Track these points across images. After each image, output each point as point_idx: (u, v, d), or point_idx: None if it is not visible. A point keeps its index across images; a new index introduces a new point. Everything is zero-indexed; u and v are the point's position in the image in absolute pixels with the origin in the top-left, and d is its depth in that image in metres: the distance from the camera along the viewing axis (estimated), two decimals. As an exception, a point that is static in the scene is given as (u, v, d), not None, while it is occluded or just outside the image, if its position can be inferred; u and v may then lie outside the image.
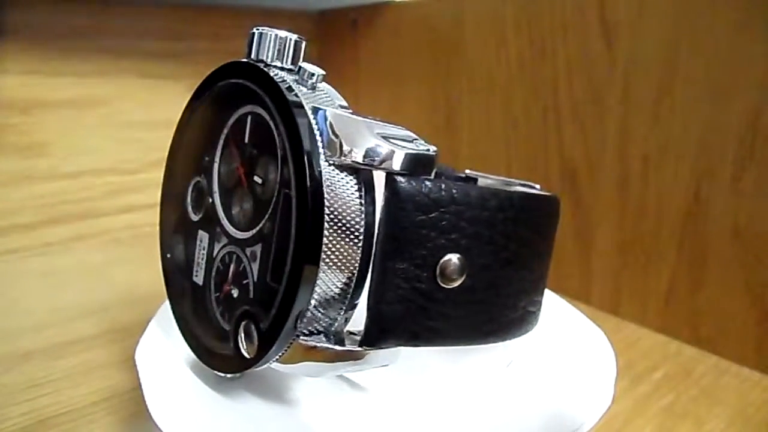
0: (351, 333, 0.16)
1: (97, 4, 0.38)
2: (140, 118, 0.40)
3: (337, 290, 0.15)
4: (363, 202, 0.15)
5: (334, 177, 0.15)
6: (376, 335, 0.15)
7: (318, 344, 0.15)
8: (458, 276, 0.15)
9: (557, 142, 0.32)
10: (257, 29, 0.16)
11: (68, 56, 0.37)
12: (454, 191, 0.15)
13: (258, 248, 0.16)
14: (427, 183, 0.15)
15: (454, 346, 0.17)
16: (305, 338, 0.15)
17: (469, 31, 0.36)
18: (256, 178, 0.16)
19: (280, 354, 0.15)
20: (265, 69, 0.16)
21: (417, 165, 0.15)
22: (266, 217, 0.16)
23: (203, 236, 0.18)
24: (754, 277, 0.26)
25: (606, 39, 0.30)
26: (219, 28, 0.42)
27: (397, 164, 0.15)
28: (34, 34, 0.36)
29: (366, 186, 0.15)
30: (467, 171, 0.25)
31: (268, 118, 0.16)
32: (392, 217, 0.15)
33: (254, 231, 0.16)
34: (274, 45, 0.16)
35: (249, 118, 0.17)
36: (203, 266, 0.18)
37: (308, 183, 0.14)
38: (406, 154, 0.15)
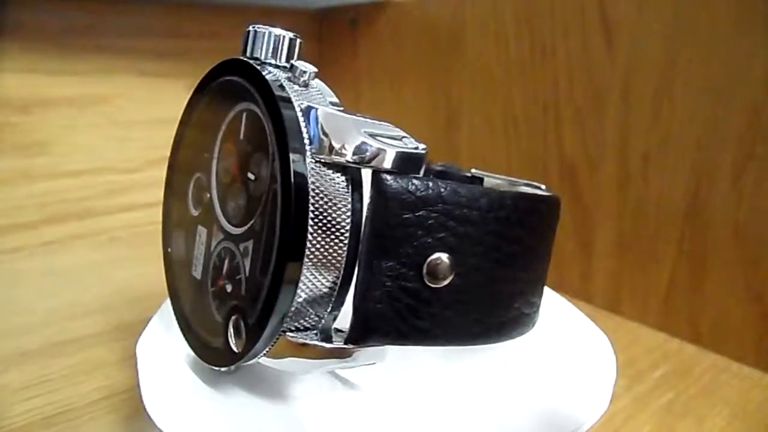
0: (339, 330, 0.16)
1: (96, 2, 0.37)
2: (140, 116, 0.40)
3: (323, 287, 0.15)
4: (350, 199, 0.15)
5: (321, 174, 0.15)
6: (362, 333, 0.15)
7: (306, 341, 0.15)
8: (446, 275, 0.15)
9: (557, 141, 0.32)
10: (253, 27, 0.17)
11: (68, 55, 0.37)
12: (442, 190, 0.15)
13: (250, 244, 0.16)
14: (415, 181, 0.15)
15: (443, 346, 0.17)
16: (293, 334, 0.15)
17: (469, 29, 0.36)
18: (250, 175, 0.16)
19: (267, 349, 0.16)
20: (259, 66, 0.16)
21: (405, 163, 0.15)
22: (257, 213, 0.16)
23: (202, 231, 0.18)
24: (754, 275, 0.26)
25: (606, 38, 0.30)
26: (219, 26, 0.42)
27: (385, 162, 0.15)
28: (33, 32, 0.35)
29: (354, 184, 0.15)
30: (473, 170, 0.25)
31: (261, 115, 0.16)
32: (378, 215, 0.15)
33: (246, 227, 0.16)
34: (268, 43, 0.16)
35: (244, 116, 0.17)
36: (201, 261, 0.18)
37: (292, 179, 0.14)
38: (395, 153, 0.15)
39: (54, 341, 0.25)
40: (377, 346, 0.16)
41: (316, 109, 0.15)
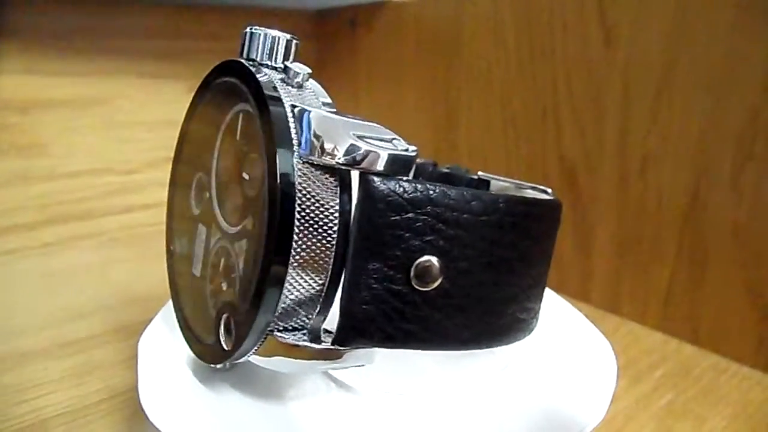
0: (328, 331, 0.16)
1: (95, 3, 0.37)
2: (139, 118, 0.40)
3: (311, 288, 0.15)
4: (339, 201, 0.15)
5: (309, 176, 0.15)
6: (348, 335, 0.15)
7: (295, 342, 0.15)
8: (435, 279, 0.15)
9: (556, 142, 0.32)
10: (249, 28, 0.17)
11: (67, 56, 0.37)
12: (431, 192, 0.15)
13: (244, 243, 0.16)
14: (403, 183, 0.15)
15: (432, 350, 0.16)
16: (282, 334, 0.15)
17: (468, 29, 0.36)
18: (245, 175, 0.17)
19: (255, 348, 0.16)
20: (254, 68, 0.16)
21: (395, 165, 0.15)
22: (251, 213, 0.16)
23: (202, 230, 0.19)
24: (754, 276, 0.26)
25: (605, 38, 0.30)
26: (218, 27, 0.42)
27: (374, 164, 0.15)
28: (32, 33, 0.35)
29: (343, 186, 0.15)
30: (480, 173, 0.25)
31: (255, 115, 0.16)
32: (365, 217, 0.15)
33: (240, 226, 0.17)
34: (264, 44, 0.16)
35: (240, 116, 0.17)
36: (201, 259, 0.19)
37: (277, 179, 0.14)
38: (384, 154, 0.15)
39: (53, 342, 0.25)
40: (364, 348, 0.16)
41: (308, 110, 0.15)
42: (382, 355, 0.16)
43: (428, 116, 0.40)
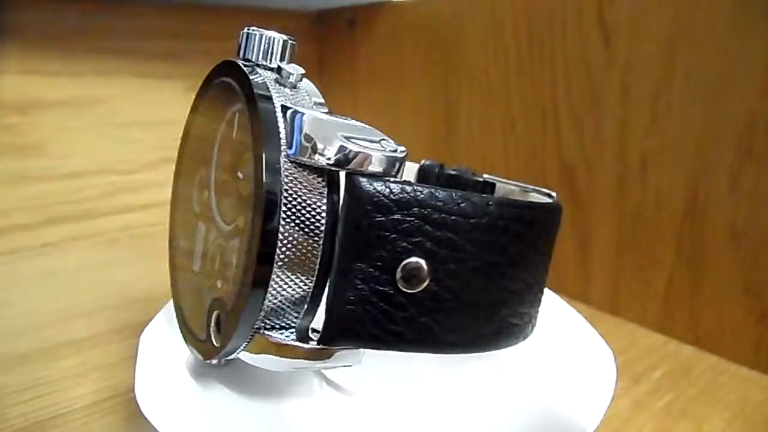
0: (315, 330, 0.16)
1: (94, 4, 0.37)
2: (138, 118, 0.40)
3: (298, 287, 0.15)
4: (327, 202, 0.15)
5: (297, 176, 0.15)
6: (334, 334, 0.15)
7: (284, 341, 0.15)
8: (421, 281, 0.15)
9: (556, 143, 0.33)
10: (246, 29, 0.17)
11: (66, 56, 0.37)
12: (419, 194, 0.15)
13: (236, 242, 0.16)
14: (390, 184, 0.15)
15: (419, 352, 0.16)
16: (270, 333, 0.16)
17: (468, 30, 0.36)
18: (239, 174, 0.17)
19: (243, 345, 0.16)
20: (250, 68, 0.16)
21: (383, 166, 0.15)
22: (242, 212, 0.16)
23: (201, 227, 0.19)
24: (753, 277, 0.26)
25: (604, 39, 0.30)
26: (217, 27, 0.42)
27: (362, 165, 0.15)
28: (31, 33, 0.35)
29: (332, 187, 0.15)
30: (485, 176, 0.25)
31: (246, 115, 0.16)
32: (351, 218, 0.15)
33: (233, 225, 0.17)
34: (260, 45, 0.16)
35: (237, 116, 0.17)
36: (200, 256, 0.19)
37: (263, 178, 0.14)
38: (372, 155, 0.15)
39: (52, 343, 0.25)
40: (350, 348, 0.16)
41: (298, 111, 0.15)
42: (376, 356, 0.16)
43: (427, 116, 0.40)
